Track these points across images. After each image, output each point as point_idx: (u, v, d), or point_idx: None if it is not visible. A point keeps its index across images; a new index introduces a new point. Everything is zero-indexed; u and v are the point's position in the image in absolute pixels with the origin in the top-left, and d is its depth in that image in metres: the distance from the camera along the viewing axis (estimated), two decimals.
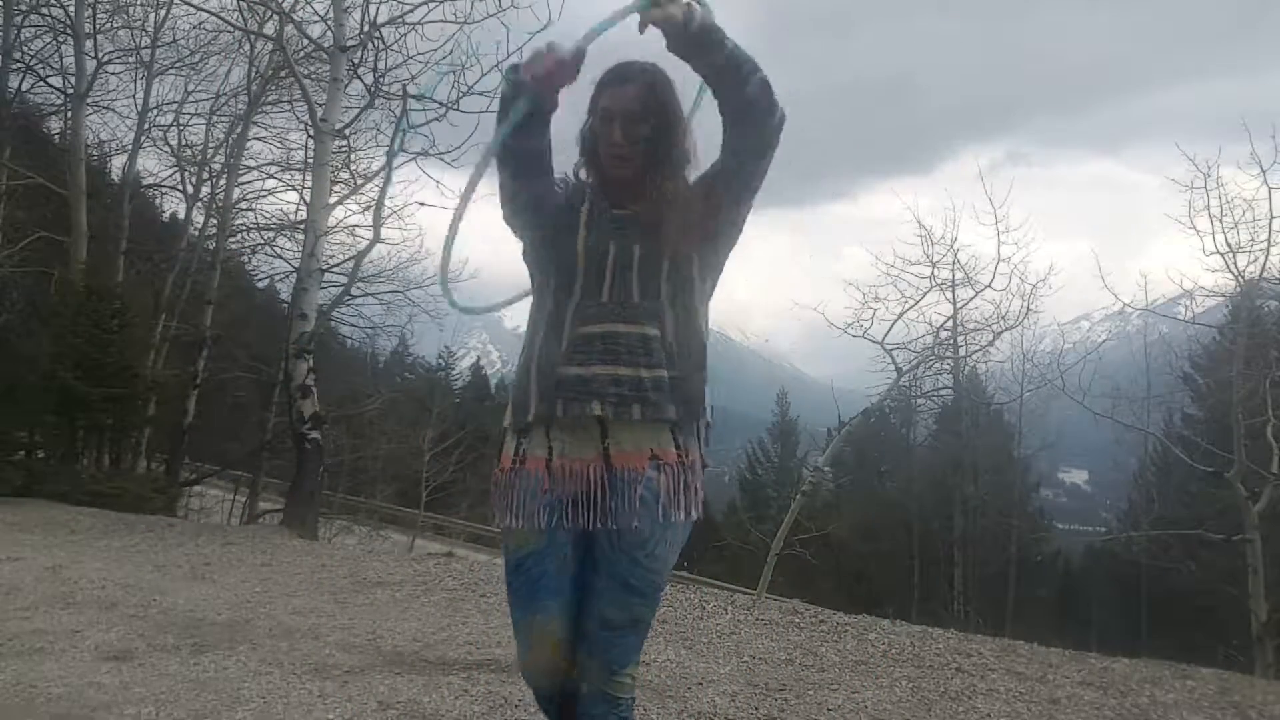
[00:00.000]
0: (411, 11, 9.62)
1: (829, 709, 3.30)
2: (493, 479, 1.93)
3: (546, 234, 1.92)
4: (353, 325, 16.40)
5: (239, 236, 16.23)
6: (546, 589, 1.85)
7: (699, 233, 1.89)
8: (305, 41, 11.10)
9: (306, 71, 11.52)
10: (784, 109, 1.85)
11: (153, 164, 16.30)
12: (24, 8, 12.64)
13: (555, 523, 1.82)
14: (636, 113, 1.87)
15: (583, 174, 2.00)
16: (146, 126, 14.22)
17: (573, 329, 1.84)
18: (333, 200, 10.84)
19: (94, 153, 15.36)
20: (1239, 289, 10.77)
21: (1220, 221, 10.21)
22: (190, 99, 14.73)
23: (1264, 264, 10.27)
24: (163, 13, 13.33)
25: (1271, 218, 9.93)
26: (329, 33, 9.85)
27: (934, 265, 11.68)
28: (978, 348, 13.19)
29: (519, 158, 1.87)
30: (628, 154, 1.88)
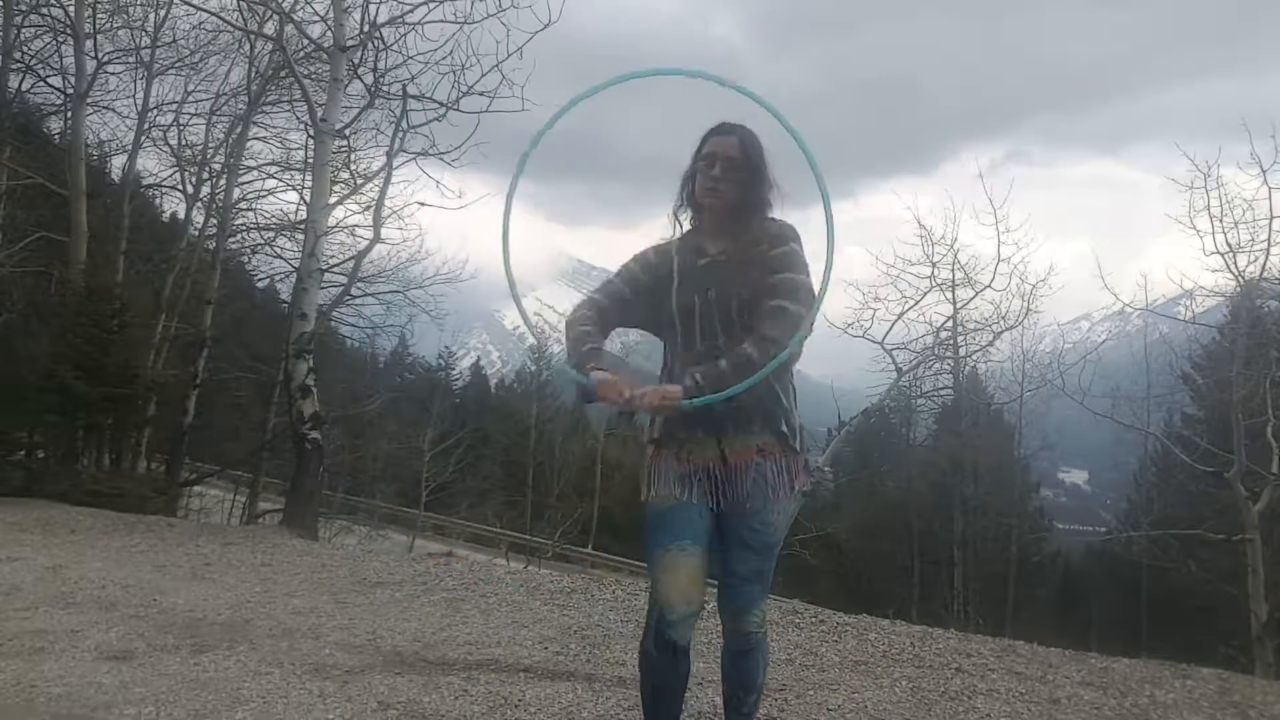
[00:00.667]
0: (411, 11, 9.59)
1: (829, 709, 3.30)
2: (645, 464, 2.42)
3: (649, 309, 2.40)
4: (353, 325, 16.41)
5: (239, 236, 16.20)
6: (684, 532, 2.30)
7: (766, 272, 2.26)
8: (305, 41, 11.07)
9: (306, 71, 11.50)
10: (794, 344, 2.23)
11: (153, 164, 16.29)
12: (24, 8, 12.62)
13: (686, 495, 2.31)
14: (737, 160, 2.28)
15: (682, 216, 2.42)
16: (146, 126, 14.20)
17: (683, 370, 2.27)
18: (333, 200, 10.83)
19: (94, 153, 15.34)
20: (1239, 289, 10.76)
21: (1220, 221, 10.22)
22: (190, 99, 14.71)
23: (1264, 264, 10.29)
24: (163, 13, 13.31)
25: (1271, 218, 9.94)
26: (329, 33, 9.83)
27: (934, 265, 11.71)
28: (978, 348, 13.22)
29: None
30: (721, 189, 2.29)
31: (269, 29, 11.47)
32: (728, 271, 2.29)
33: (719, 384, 2.15)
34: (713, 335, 2.29)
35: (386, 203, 10.85)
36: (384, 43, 9.85)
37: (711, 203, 2.32)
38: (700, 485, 2.30)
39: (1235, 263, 10.35)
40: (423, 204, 11.13)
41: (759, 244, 2.28)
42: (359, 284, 13.04)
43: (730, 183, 2.28)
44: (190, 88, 14.54)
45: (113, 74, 13.72)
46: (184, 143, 15.01)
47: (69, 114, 13.11)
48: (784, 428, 2.33)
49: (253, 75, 13.85)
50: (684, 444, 2.33)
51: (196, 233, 15.89)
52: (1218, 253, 10.34)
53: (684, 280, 2.34)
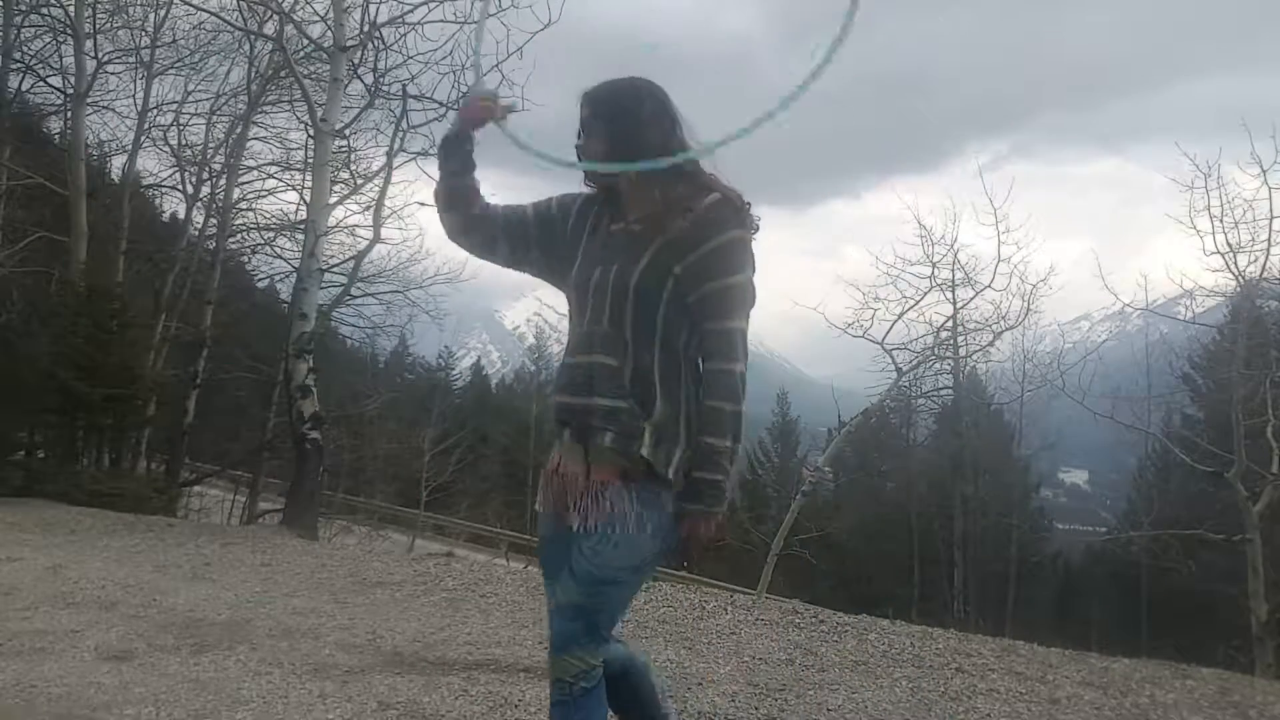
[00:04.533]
0: (411, 11, 9.62)
1: (829, 709, 3.30)
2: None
3: (550, 263, 2.03)
4: (353, 325, 16.42)
5: (239, 236, 16.21)
6: (552, 568, 1.98)
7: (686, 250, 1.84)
8: (305, 41, 11.08)
9: (306, 71, 11.50)
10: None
11: (153, 164, 16.30)
12: (24, 8, 12.63)
13: (555, 515, 1.96)
14: (595, 109, 1.93)
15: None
16: (146, 126, 14.22)
17: (566, 357, 1.95)
18: (333, 200, 10.84)
19: (94, 153, 15.34)
20: (1239, 289, 10.75)
21: (1220, 221, 10.20)
22: (190, 99, 14.73)
23: (1264, 264, 10.25)
24: (163, 13, 13.33)
25: (1271, 218, 9.91)
26: (329, 33, 9.84)
27: (934, 265, 11.68)
28: (978, 348, 13.18)
29: (447, 195, 2.11)
30: (584, 145, 1.95)
31: (269, 29, 11.48)
32: (631, 247, 1.87)
33: (722, 465, 1.86)
34: (597, 320, 1.87)
35: (386, 203, 10.88)
36: (384, 43, 9.88)
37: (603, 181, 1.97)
38: (563, 506, 1.93)
39: (1235, 263, 10.33)
40: (423, 204, 11.16)
41: (681, 217, 1.84)
42: (359, 284, 13.06)
43: (592, 134, 1.91)
44: (190, 88, 14.59)
45: (113, 74, 13.75)
46: (184, 143, 15.04)
47: (69, 114, 13.11)
48: (648, 451, 1.83)
49: (253, 75, 13.87)
50: (559, 448, 1.97)
51: (196, 233, 15.90)
52: (1218, 253, 10.32)
53: (591, 245, 1.95)
